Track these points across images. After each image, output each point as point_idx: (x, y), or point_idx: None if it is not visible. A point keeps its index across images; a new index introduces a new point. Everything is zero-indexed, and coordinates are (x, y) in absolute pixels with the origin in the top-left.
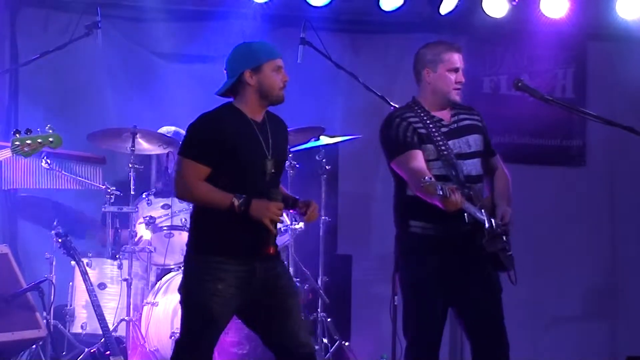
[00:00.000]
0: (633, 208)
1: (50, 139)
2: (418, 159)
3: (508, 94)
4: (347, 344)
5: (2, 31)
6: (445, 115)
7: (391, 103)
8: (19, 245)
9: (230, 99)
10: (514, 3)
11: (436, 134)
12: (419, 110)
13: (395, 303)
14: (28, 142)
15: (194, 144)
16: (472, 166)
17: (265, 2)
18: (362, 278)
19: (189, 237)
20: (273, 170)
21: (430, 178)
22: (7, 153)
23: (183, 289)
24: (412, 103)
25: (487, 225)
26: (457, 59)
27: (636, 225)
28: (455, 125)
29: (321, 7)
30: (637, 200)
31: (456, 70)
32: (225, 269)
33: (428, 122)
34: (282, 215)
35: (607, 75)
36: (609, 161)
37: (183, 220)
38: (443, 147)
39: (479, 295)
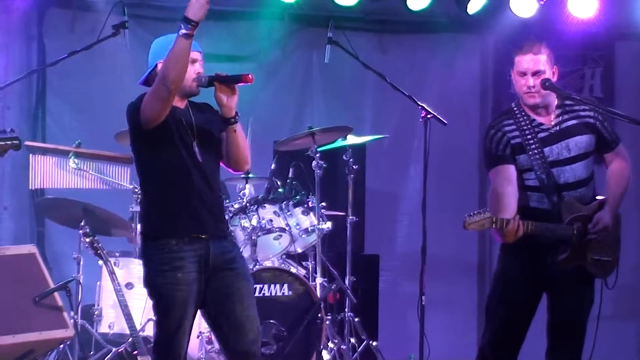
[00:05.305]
0: None
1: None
2: (504, 176)
3: None
4: (374, 343)
5: (29, 32)
6: (546, 118)
7: (419, 103)
8: (47, 245)
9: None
10: (542, 3)
11: (531, 141)
12: (518, 115)
13: (423, 302)
14: None
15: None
16: (570, 172)
17: (294, 2)
18: (389, 278)
19: (141, 224)
20: (201, 151)
21: (486, 210)
22: None
23: (146, 283)
24: (514, 106)
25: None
26: (524, 61)
27: None
28: (557, 128)
29: (349, 7)
30: None
31: (523, 74)
32: (182, 256)
33: (525, 128)
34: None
35: (636, 74)
36: (637, 161)
37: None
38: (538, 156)
39: (558, 299)
